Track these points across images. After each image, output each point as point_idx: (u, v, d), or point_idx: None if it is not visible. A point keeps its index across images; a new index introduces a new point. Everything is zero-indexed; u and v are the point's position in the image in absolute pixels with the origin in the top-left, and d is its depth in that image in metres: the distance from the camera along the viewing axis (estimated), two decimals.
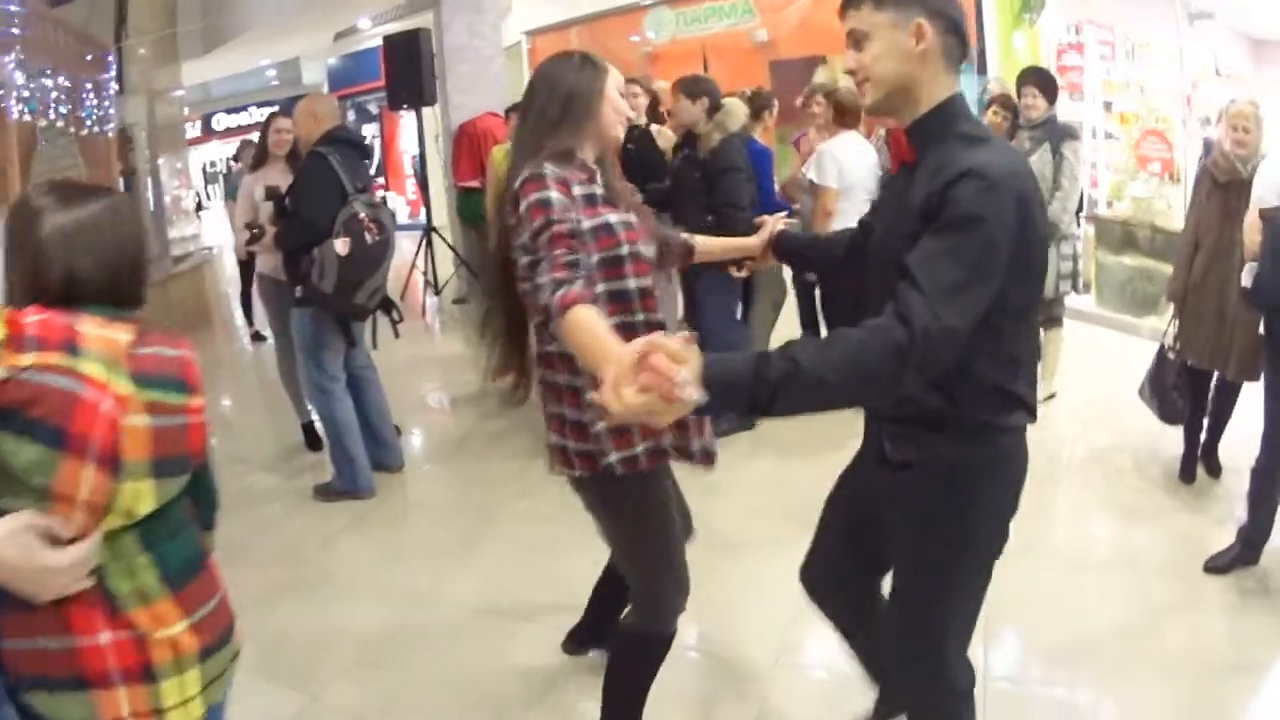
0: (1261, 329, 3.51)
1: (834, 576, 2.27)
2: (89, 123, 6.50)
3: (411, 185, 15.33)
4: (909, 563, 1.96)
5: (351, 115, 16.11)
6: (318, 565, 3.89)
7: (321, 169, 4.03)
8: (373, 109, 16.06)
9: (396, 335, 4.45)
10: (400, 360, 4.56)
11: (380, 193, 4.09)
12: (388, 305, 4.34)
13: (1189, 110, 6.86)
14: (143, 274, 1.62)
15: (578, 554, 3.85)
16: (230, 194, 9.52)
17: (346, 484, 4.38)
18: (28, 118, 6.06)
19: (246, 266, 7.22)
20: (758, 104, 5.47)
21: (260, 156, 4.85)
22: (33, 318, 1.39)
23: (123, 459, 1.43)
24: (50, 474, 1.36)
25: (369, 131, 16.06)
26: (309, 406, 4.86)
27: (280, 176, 4.61)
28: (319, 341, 4.22)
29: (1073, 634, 3.25)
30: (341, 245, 3.92)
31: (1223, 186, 3.89)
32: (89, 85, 6.59)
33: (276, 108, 17.38)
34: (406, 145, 15.21)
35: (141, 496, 1.48)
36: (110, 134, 6.86)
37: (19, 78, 5.93)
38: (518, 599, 3.56)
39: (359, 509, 4.33)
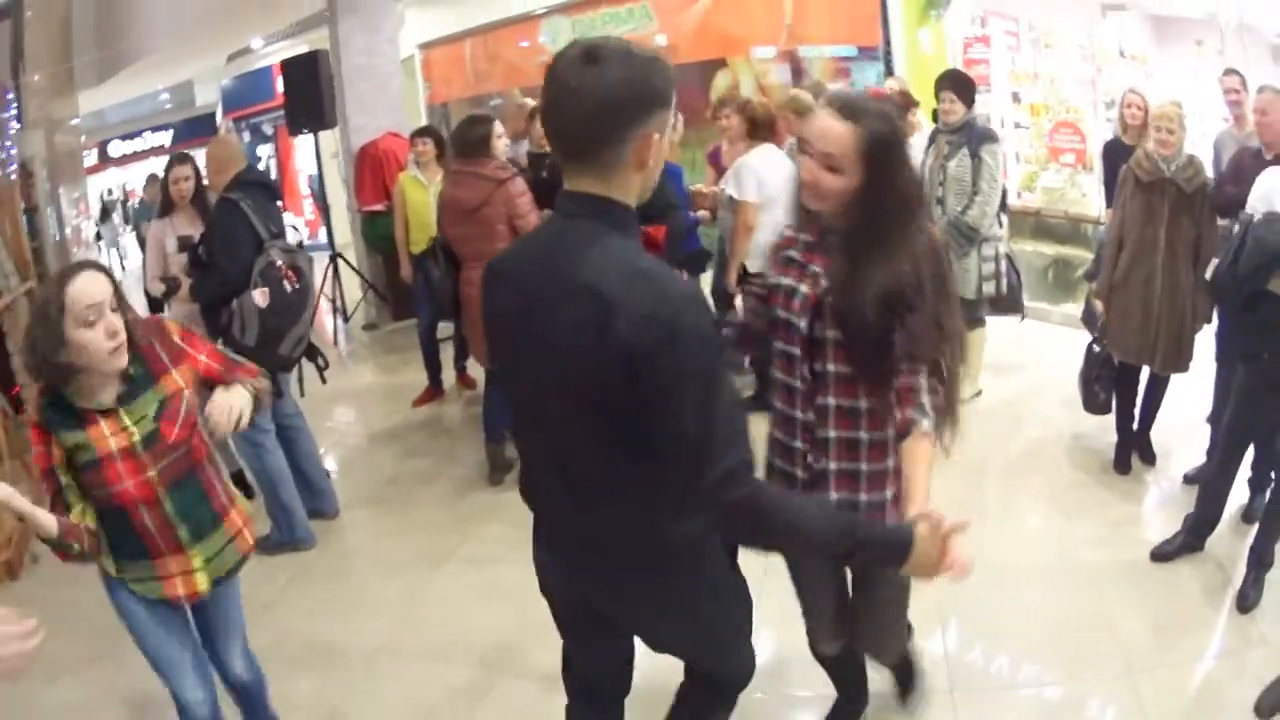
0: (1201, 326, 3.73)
1: None
2: None
3: (309, 205, 15.03)
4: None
5: (246, 136, 15.72)
6: (266, 626, 3.70)
7: (234, 218, 3.92)
8: (267, 130, 15.69)
9: (324, 381, 4.34)
10: (315, 393, 4.45)
11: (291, 232, 3.98)
12: (312, 352, 4.23)
13: (1095, 93, 6.99)
14: None
15: (534, 598, 3.82)
16: (140, 217, 9.20)
17: (285, 536, 4.27)
18: None
19: (156, 304, 7.00)
20: None
21: (167, 204, 4.68)
22: None
23: None
24: None
25: (264, 152, 15.71)
26: (237, 456, 4.72)
27: (188, 224, 4.47)
28: None
29: (1033, 633, 3.33)
30: (260, 296, 3.82)
31: (1146, 186, 4.00)
32: None
33: (170, 130, 16.95)
34: (302, 164, 14.88)
35: None
36: (13, 175, 6.58)
37: None
38: (480, 646, 3.51)
39: (300, 562, 4.22)
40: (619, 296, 1.53)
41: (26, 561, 4.12)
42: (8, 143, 6.55)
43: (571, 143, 1.62)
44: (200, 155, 4.66)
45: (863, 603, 2.41)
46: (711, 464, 1.57)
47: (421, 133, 6.44)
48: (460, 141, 4.58)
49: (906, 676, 2.81)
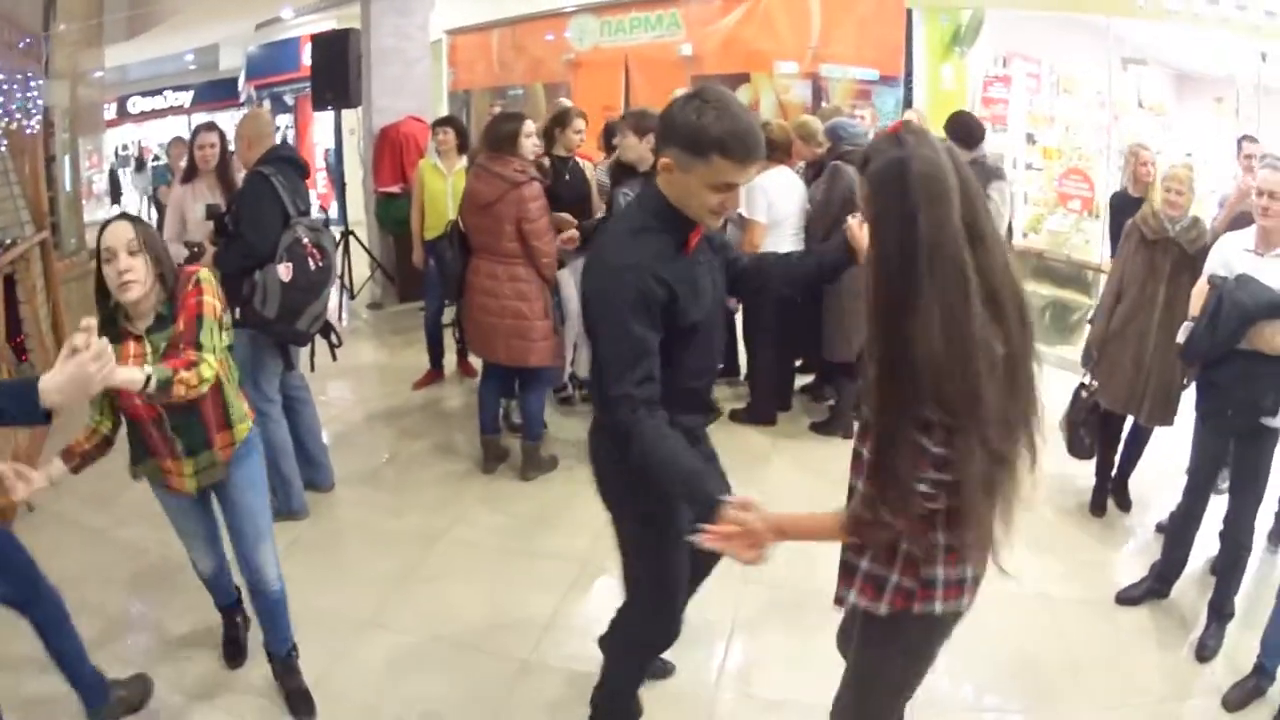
0: (1188, 381, 3.77)
1: None
2: (18, 114, 6.30)
3: (322, 179, 15.12)
4: None
5: (267, 104, 15.79)
6: None
7: (264, 190, 4.01)
8: (288, 100, 15.76)
9: (334, 359, 4.44)
10: (317, 368, 4.55)
11: (318, 212, 4.08)
12: (327, 329, 4.33)
13: (1109, 140, 7.10)
14: None
15: (523, 584, 3.95)
16: (159, 180, 9.26)
17: (281, 506, 4.35)
18: None
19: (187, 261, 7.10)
20: None
21: (191, 169, 4.77)
22: None
23: None
24: None
25: (283, 122, 15.78)
26: None
27: (208, 193, 4.57)
28: (257, 364, 4.18)
29: (996, 664, 3.43)
30: (285, 271, 3.91)
31: (1150, 244, 4.09)
32: (19, 76, 6.39)
33: (191, 91, 16.95)
34: (319, 138, 14.96)
35: None
36: (36, 126, 6.65)
37: None
38: (464, 627, 3.62)
39: (293, 531, 4.32)
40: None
41: (21, 510, 4.19)
42: (33, 93, 6.61)
43: None
44: (221, 120, 4.73)
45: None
46: (608, 383, 2.16)
47: (444, 122, 6.54)
48: (491, 136, 4.66)
49: None
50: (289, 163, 4.19)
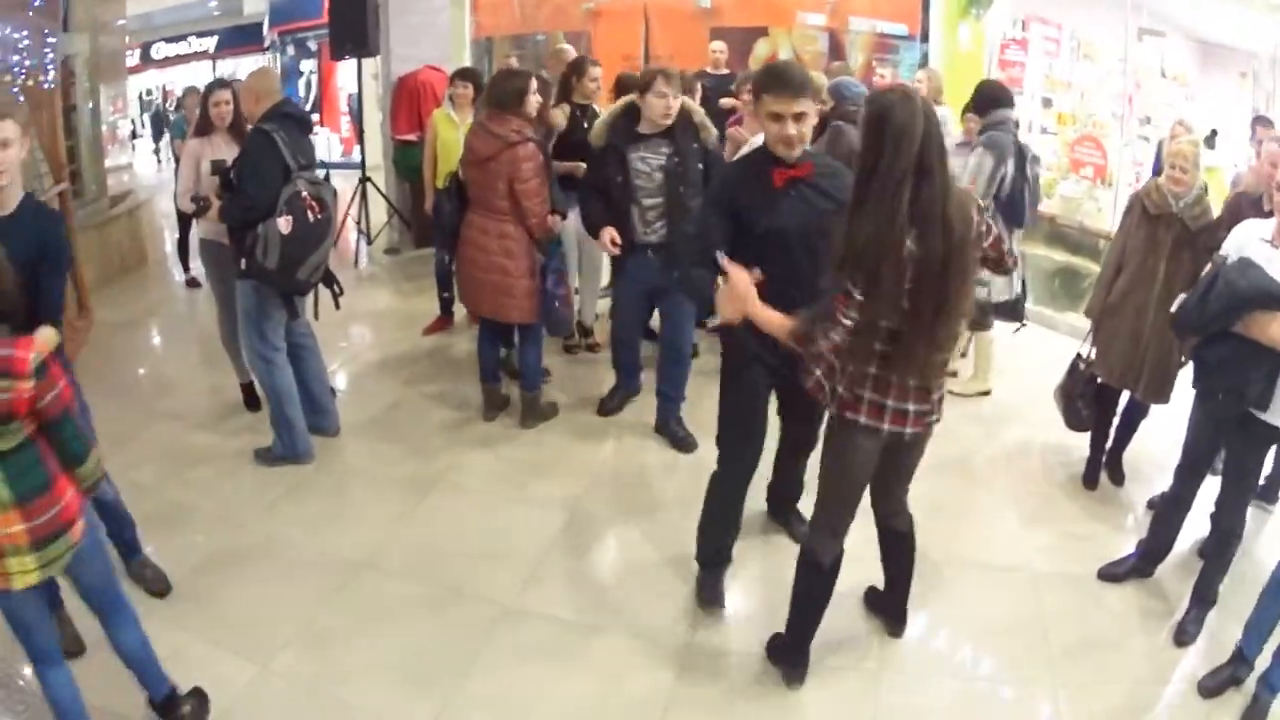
0: (1186, 359, 3.74)
1: None
2: (34, 71, 6.44)
3: (347, 123, 15.18)
4: None
5: (291, 50, 15.85)
6: (260, 531, 4.05)
7: (266, 146, 4.11)
8: (312, 45, 15.78)
9: (338, 307, 4.56)
10: (332, 313, 4.66)
11: (320, 171, 4.16)
12: (329, 279, 4.45)
13: (1130, 109, 6.98)
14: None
15: (510, 527, 4.11)
16: (176, 133, 9.36)
17: (287, 450, 4.54)
18: None
19: (186, 220, 7.24)
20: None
21: (204, 123, 4.88)
22: None
23: None
24: None
25: (307, 67, 15.83)
26: (250, 369, 4.97)
27: (225, 146, 4.67)
28: (262, 312, 4.33)
29: (969, 628, 3.48)
30: (285, 224, 4.03)
31: (1153, 218, 4.06)
32: (34, 34, 6.52)
33: (215, 37, 16.92)
34: (344, 82, 14.99)
35: None
36: (53, 83, 6.78)
37: None
38: (454, 570, 3.78)
39: (298, 475, 4.49)
40: None
41: None
42: (48, 51, 6.72)
43: None
44: (245, 65, 4.80)
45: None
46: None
47: (464, 75, 6.60)
48: (495, 93, 4.70)
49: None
50: (292, 119, 4.28)
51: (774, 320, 2.71)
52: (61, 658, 2.67)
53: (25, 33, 6.38)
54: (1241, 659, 3.20)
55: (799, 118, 2.96)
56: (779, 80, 2.98)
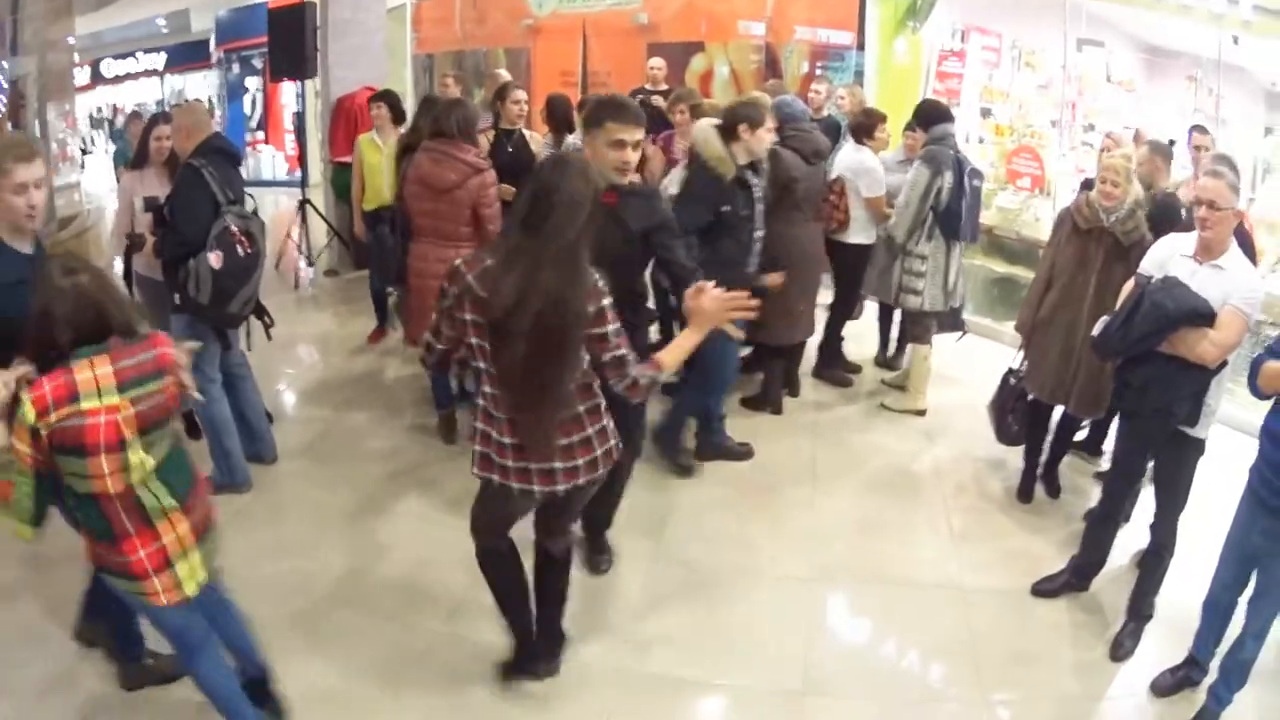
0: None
1: None
2: None
3: (291, 141, 15.15)
4: None
5: (237, 68, 15.81)
6: None
7: (196, 182, 4.18)
8: (257, 63, 15.73)
9: (269, 338, 4.65)
10: (272, 338, 4.74)
11: (250, 203, 4.21)
12: (260, 311, 4.56)
13: (1073, 117, 7.05)
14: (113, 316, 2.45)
15: (446, 555, 4.15)
16: (118, 160, 9.35)
17: (224, 478, 4.60)
18: None
19: (125, 257, 7.26)
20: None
21: (141, 156, 4.94)
22: (45, 388, 2.30)
23: (124, 439, 2.39)
24: (84, 469, 2.36)
25: (253, 85, 15.79)
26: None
27: (157, 182, 4.74)
28: None
29: (898, 647, 3.52)
30: (214, 259, 4.11)
31: (1083, 233, 4.07)
32: None
33: (164, 54, 16.74)
34: (288, 100, 14.98)
35: (141, 455, 2.44)
36: (2, 108, 6.80)
37: None
38: (381, 602, 3.85)
39: (237, 503, 4.53)
40: None
41: None
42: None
43: None
44: (193, 82, 4.82)
45: None
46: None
47: (378, 97, 6.78)
48: (448, 123, 4.73)
49: None
50: (221, 153, 4.35)
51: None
52: (213, 641, 2.92)
53: None
54: (1194, 663, 3.24)
55: (636, 145, 3.25)
56: (621, 109, 3.24)
